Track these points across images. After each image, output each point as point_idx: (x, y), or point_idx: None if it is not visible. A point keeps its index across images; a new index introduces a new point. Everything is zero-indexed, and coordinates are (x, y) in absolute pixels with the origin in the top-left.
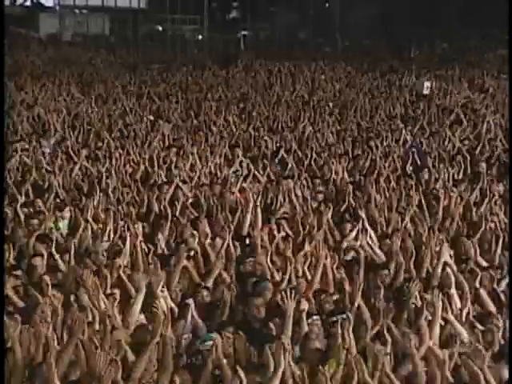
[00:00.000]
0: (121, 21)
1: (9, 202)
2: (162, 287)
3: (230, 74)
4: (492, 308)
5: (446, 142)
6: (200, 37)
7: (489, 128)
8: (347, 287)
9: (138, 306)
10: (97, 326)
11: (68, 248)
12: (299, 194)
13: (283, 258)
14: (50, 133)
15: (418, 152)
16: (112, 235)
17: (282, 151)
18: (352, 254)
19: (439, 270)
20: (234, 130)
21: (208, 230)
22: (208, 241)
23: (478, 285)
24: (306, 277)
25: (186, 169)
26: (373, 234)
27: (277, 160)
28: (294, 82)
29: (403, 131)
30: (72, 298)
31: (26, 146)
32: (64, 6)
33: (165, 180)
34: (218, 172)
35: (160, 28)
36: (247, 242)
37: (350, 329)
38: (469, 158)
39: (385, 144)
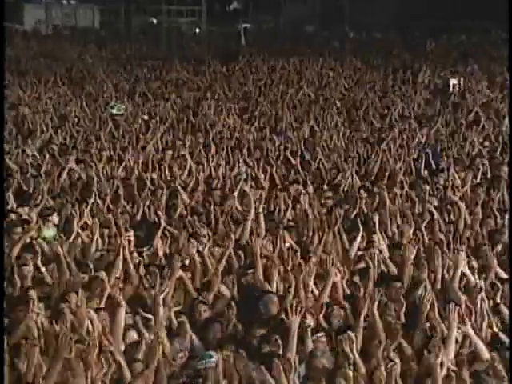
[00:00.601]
0: (112, 12)
1: None
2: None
3: (231, 71)
4: None
5: (465, 144)
6: (198, 30)
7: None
8: (357, 300)
9: (121, 321)
10: (85, 344)
11: (55, 259)
12: (306, 200)
13: (289, 270)
14: (36, 134)
15: (434, 154)
16: (103, 245)
17: (286, 154)
18: (363, 264)
19: (456, 282)
20: (235, 131)
21: (206, 238)
22: (206, 250)
23: (498, 300)
24: (314, 290)
25: (183, 173)
26: (384, 243)
27: (281, 163)
28: (300, 80)
29: (418, 132)
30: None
31: (10, 149)
32: None
33: (160, 185)
34: (218, 176)
35: (154, 20)
36: (248, 251)
37: (358, 346)
38: (489, 160)
39: (398, 146)
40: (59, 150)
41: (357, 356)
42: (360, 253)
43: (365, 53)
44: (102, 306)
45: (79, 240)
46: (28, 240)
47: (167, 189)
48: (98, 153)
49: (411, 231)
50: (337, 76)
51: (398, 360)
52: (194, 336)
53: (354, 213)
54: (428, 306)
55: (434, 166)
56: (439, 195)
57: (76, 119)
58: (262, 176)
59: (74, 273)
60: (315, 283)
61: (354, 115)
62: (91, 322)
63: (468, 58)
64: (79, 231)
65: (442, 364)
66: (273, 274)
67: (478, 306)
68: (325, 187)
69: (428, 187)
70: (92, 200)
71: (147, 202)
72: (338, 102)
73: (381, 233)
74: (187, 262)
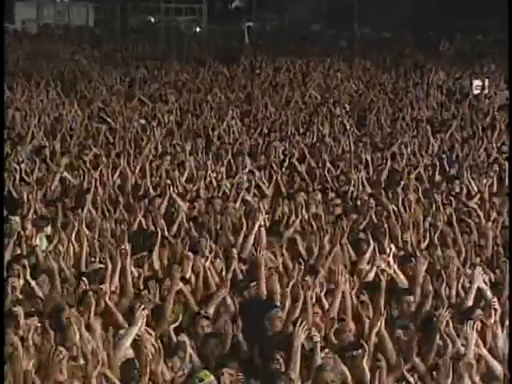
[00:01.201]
0: (107, 10)
1: None
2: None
3: (233, 72)
4: None
5: (481, 149)
6: (198, 29)
7: None
8: (366, 315)
9: (128, 340)
10: (79, 361)
11: (46, 271)
12: (312, 209)
13: (294, 283)
14: (27, 139)
15: (448, 160)
16: (97, 256)
17: (292, 160)
18: (372, 276)
19: (471, 297)
20: (237, 135)
21: (208, 250)
22: (207, 263)
23: None
24: (322, 304)
25: (182, 180)
26: (395, 255)
27: (286, 170)
28: (306, 81)
29: (431, 137)
30: (50, 329)
31: None
32: None
33: (157, 193)
34: (219, 184)
35: (152, 19)
36: (250, 263)
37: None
38: (507, 166)
39: (410, 151)
40: (51, 156)
41: (367, 373)
42: (369, 265)
43: (375, 53)
44: (97, 321)
45: (71, 251)
46: (19, 251)
47: (165, 197)
48: (92, 159)
49: (424, 242)
50: (345, 78)
51: (411, 379)
52: (193, 354)
53: (364, 222)
54: (444, 324)
55: (448, 173)
56: (454, 204)
57: (69, 123)
58: (266, 184)
59: (67, 286)
60: (322, 297)
61: (364, 119)
62: (84, 338)
63: (484, 58)
64: (73, 242)
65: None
66: (277, 287)
67: (492, 321)
68: (332, 195)
69: (442, 195)
70: (86, 209)
71: (144, 211)
72: (346, 105)
73: (391, 244)
74: (187, 275)
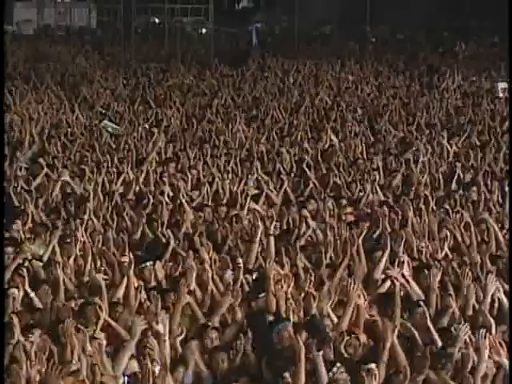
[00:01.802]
0: (110, 11)
1: None
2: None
3: (240, 75)
4: None
5: (498, 156)
6: (204, 30)
7: None
8: (380, 328)
9: (127, 354)
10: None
11: (47, 281)
12: (323, 217)
13: (305, 295)
14: (26, 144)
15: (465, 167)
16: (99, 267)
17: (302, 166)
18: (386, 288)
19: (486, 307)
20: (244, 141)
21: (214, 260)
22: (213, 274)
23: None
24: (332, 317)
25: (188, 188)
26: (409, 265)
27: (296, 177)
28: (316, 85)
29: (445, 143)
30: (50, 342)
31: None
32: None
33: (162, 201)
34: (226, 192)
35: (156, 20)
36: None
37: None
38: None
39: (424, 158)
40: (52, 162)
41: None
42: (383, 276)
43: (388, 55)
44: (98, 333)
45: (72, 261)
46: (20, 261)
47: (170, 205)
48: (95, 165)
49: (439, 252)
50: (357, 81)
51: None
52: (202, 366)
53: (377, 231)
54: (464, 340)
55: (464, 180)
56: (470, 211)
57: (70, 128)
58: (275, 191)
59: (68, 298)
60: (334, 309)
61: (376, 124)
62: (85, 351)
63: (503, 61)
64: (74, 251)
65: None
66: (286, 299)
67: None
68: (344, 203)
69: (457, 203)
70: (87, 217)
71: (148, 220)
72: (358, 110)
73: (406, 253)
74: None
